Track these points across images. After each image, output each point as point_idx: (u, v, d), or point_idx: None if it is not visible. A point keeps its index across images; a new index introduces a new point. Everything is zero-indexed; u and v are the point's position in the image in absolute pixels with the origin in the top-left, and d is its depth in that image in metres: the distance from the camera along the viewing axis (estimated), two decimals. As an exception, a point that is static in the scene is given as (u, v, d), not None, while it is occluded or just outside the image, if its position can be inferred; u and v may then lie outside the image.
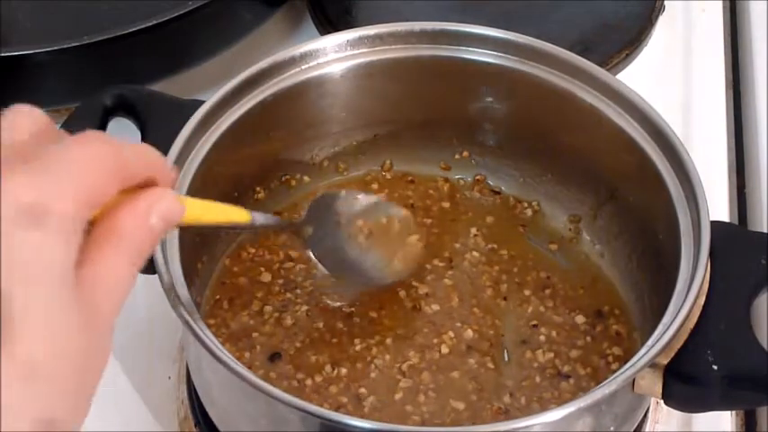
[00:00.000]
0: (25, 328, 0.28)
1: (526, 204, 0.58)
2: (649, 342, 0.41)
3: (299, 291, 0.53)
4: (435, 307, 0.53)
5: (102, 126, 0.52)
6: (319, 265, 0.53)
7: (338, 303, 0.53)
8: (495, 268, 0.55)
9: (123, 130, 0.53)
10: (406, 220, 0.53)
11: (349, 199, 0.52)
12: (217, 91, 0.51)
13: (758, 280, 0.45)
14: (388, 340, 0.51)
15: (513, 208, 0.59)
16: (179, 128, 0.49)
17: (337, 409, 0.47)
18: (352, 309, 0.52)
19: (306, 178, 0.59)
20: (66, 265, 0.30)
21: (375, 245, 0.52)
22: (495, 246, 0.56)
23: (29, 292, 0.28)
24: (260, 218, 0.45)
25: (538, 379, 0.49)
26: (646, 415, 0.51)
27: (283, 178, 0.58)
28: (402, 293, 0.53)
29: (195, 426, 0.51)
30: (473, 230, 0.57)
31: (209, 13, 0.65)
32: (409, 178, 0.60)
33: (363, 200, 0.52)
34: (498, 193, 0.59)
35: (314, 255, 0.52)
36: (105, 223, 0.33)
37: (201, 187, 0.49)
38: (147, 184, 0.34)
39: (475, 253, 0.56)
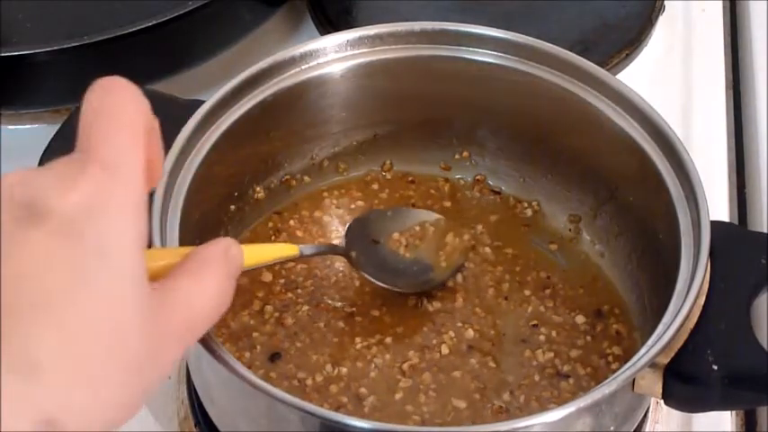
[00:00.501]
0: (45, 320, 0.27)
1: (526, 204, 0.59)
2: (649, 342, 0.41)
3: (299, 290, 0.53)
4: (437, 304, 0.53)
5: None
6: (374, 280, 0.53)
7: (339, 303, 0.53)
8: (498, 268, 0.55)
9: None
10: (437, 222, 0.56)
11: (379, 218, 0.55)
12: (217, 91, 0.51)
13: (758, 280, 0.45)
14: (389, 339, 0.51)
15: (513, 208, 0.59)
16: (179, 128, 0.49)
17: (337, 409, 0.47)
18: (354, 308, 0.52)
19: (306, 178, 0.59)
20: (136, 243, 0.30)
21: (416, 252, 0.54)
22: (500, 245, 0.56)
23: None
24: (307, 249, 0.49)
25: (537, 378, 0.49)
26: (646, 415, 0.51)
27: (283, 178, 0.58)
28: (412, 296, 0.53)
29: (195, 426, 0.51)
30: (479, 228, 0.57)
31: (209, 13, 0.65)
32: (410, 178, 0.60)
33: (392, 215, 0.55)
34: (498, 193, 0.59)
35: (366, 274, 0.52)
36: (183, 265, 0.34)
37: (202, 187, 0.49)
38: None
39: (479, 251, 0.56)
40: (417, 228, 0.55)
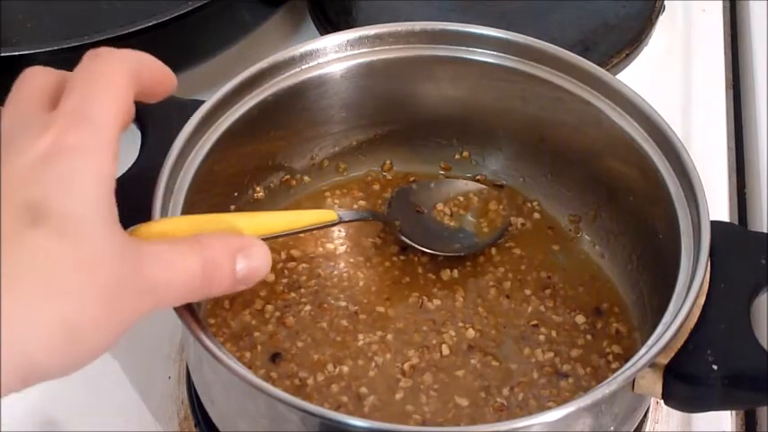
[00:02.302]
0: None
1: (528, 205, 0.59)
2: (649, 342, 0.41)
3: (302, 290, 0.53)
4: (437, 302, 0.53)
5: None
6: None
7: (343, 303, 0.53)
8: (499, 269, 0.55)
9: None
10: (481, 191, 0.58)
11: (422, 189, 0.57)
12: (217, 91, 0.51)
13: (758, 280, 0.45)
14: (390, 336, 0.51)
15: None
16: (179, 128, 0.49)
17: (337, 409, 0.47)
18: (357, 307, 0.53)
19: (306, 178, 0.59)
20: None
21: (460, 221, 0.56)
22: (512, 245, 0.57)
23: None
24: (346, 215, 0.51)
25: (536, 376, 0.49)
26: (646, 415, 0.51)
27: (283, 178, 0.58)
28: (414, 293, 0.54)
29: (195, 426, 0.51)
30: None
31: (209, 13, 0.65)
32: (410, 178, 0.60)
33: (435, 186, 0.58)
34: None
35: (409, 240, 0.55)
36: (194, 237, 0.36)
37: (202, 187, 0.49)
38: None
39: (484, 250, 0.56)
40: (461, 198, 0.57)
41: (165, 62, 0.67)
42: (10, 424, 0.51)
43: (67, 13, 0.71)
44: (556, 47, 0.54)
